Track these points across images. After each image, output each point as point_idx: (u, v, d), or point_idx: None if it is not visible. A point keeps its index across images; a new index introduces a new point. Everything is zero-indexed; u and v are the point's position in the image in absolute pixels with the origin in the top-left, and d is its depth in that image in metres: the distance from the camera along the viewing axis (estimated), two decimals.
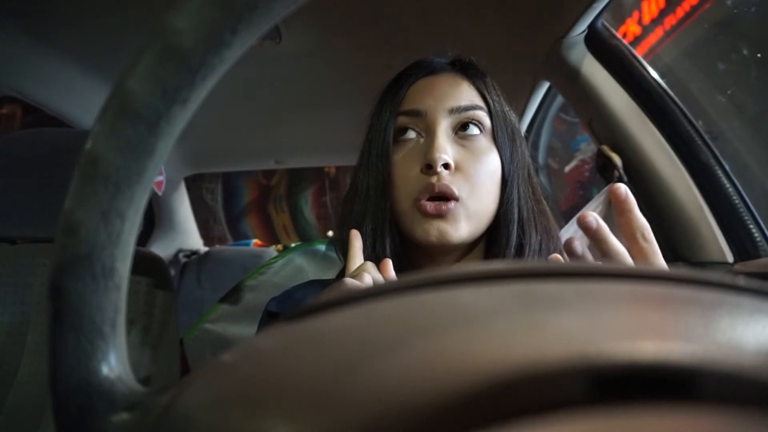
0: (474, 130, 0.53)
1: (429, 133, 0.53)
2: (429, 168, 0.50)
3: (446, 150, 0.50)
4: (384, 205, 0.54)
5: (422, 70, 0.57)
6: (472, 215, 0.51)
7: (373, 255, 0.54)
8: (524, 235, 0.54)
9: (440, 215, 0.50)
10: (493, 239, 0.56)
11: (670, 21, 2.32)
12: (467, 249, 0.55)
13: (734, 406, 0.10)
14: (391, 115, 0.55)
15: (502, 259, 0.53)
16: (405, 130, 0.54)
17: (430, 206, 0.50)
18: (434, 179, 0.50)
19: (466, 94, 0.55)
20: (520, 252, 0.54)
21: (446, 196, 0.50)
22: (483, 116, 0.54)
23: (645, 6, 2.44)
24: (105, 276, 0.16)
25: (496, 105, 0.56)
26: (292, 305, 0.55)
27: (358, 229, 0.55)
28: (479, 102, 0.55)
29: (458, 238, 0.51)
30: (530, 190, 0.56)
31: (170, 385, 0.16)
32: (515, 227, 0.54)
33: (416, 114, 0.54)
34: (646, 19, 2.44)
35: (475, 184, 0.51)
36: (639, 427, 0.10)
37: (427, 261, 0.56)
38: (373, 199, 0.55)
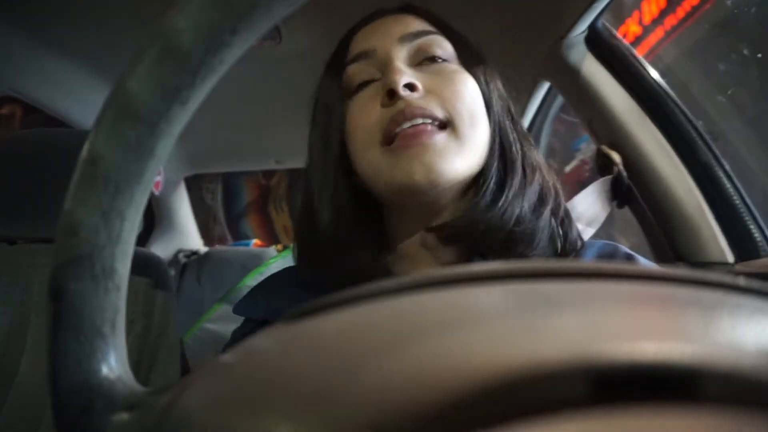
0: (437, 54, 0.45)
1: (383, 68, 0.44)
2: (391, 96, 0.41)
3: (405, 71, 0.42)
4: (338, 164, 0.45)
5: (363, 20, 0.50)
6: (464, 143, 0.42)
7: (335, 232, 0.45)
8: (506, 172, 0.45)
9: (421, 145, 0.40)
10: (474, 186, 0.45)
11: (670, 21, 2.32)
12: (445, 204, 0.45)
13: (734, 406, 0.10)
14: (337, 69, 0.47)
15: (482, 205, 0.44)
16: (359, 78, 0.46)
17: (408, 133, 0.40)
18: (401, 105, 0.41)
19: (417, 23, 0.47)
20: (500, 191, 0.44)
21: (424, 119, 0.41)
22: (442, 41, 0.46)
23: (645, 6, 2.44)
24: (105, 276, 0.16)
25: (456, 32, 0.49)
26: (260, 308, 0.49)
27: (310, 207, 0.47)
28: (432, 28, 0.47)
29: (452, 171, 0.40)
30: (512, 123, 0.48)
31: (170, 385, 0.16)
32: (496, 161, 0.45)
33: (365, 55, 0.46)
34: (647, 19, 2.44)
35: (456, 102, 0.42)
36: (639, 427, 0.10)
37: (398, 226, 0.47)
38: (322, 164, 0.46)
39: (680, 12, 2.27)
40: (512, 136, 0.47)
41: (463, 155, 0.42)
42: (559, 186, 0.49)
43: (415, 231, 0.46)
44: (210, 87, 0.17)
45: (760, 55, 1.95)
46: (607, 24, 0.81)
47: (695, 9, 2.20)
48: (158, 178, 1.57)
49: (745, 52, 2.00)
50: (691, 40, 2.25)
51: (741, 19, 2.11)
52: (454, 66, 0.46)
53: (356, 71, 0.46)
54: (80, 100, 1.12)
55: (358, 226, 0.45)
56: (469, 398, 0.10)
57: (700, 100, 1.91)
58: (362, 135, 0.43)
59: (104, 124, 0.16)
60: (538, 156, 0.49)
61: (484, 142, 0.44)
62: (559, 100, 1.17)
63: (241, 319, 0.52)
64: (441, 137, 0.41)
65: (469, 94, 0.44)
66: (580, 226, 0.59)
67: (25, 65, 0.97)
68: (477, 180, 0.45)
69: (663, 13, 2.36)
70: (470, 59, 0.48)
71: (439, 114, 0.42)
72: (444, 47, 0.46)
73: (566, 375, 0.10)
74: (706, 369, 0.10)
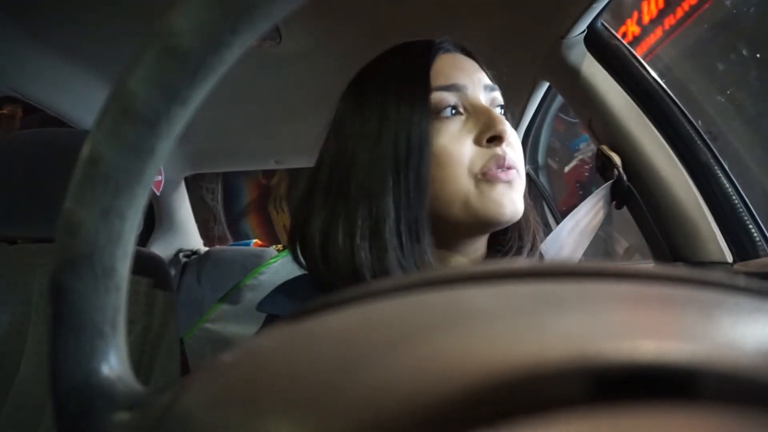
0: (503, 108, 0.53)
1: (474, 108, 0.49)
2: (492, 141, 0.48)
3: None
4: (425, 190, 0.47)
5: (441, 47, 0.53)
6: (523, 187, 0.50)
7: (405, 254, 0.46)
8: (522, 239, 0.53)
9: (509, 182, 0.48)
10: (495, 237, 0.54)
11: (669, 21, 2.33)
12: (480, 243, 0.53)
13: (734, 406, 0.10)
14: (425, 89, 0.49)
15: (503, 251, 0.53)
16: (446, 106, 0.49)
17: (502, 173, 0.47)
18: (500, 151, 0.47)
19: (486, 76, 0.53)
20: (519, 251, 0.53)
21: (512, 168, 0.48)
22: (500, 96, 0.53)
23: (645, 6, 2.45)
24: (105, 276, 0.16)
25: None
26: (282, 302, 0.52)
27: (375, 226, 0.46)
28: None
29: (521, 212, 0.49)
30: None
31: (170, 385, 0.16)
32: (516, 228, 0.53)
33: (455, 89, 0.50)
34: (646, 20, 2.45)
35: (521, 155, 0.50)
36: (639, 427, 0.10)
37: (452, 246, 0.52)
38: (416, 183, 0.47)
39: (679, 12, 2.28)
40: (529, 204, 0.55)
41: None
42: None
43: (458, 250, 0.52)
44: (210, 87, 0.17)
45: (759, 55, 1.95)
46: (606, 24, 0.81)
47: (693, 9, 2.21)
48: (159, 178, 1.57)
49: (744, 52, 2.01)
50: (690, 40, 2.25)
51: (739, 20, 2.11)
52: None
53: (446, 99, 0.49)
54: (80, 100, 1.12)
55: (427, 243, 0.48)
56: (468, 398, 0.10)
57: (700, 99, 1.91)
58: (454, 162, 0.47)
59: (104, 124, 0.16)
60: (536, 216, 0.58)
61: None
62: (559, 100, 1.17)
63: (243, 319, 0.53)
64: (518, 179, 0.49)
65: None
66: (572, 239, 0.68)
67: (25, 65, 0.97)
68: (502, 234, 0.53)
69: (662, 14, 2.37)
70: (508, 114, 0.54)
71: (518, 164, 0.49)
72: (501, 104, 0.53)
73: (566, 375, 0.10)
74: (705, 369, 0.11)
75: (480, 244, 0.53)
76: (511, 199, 0.47)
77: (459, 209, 0.48)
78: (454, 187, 0.47)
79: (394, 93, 0.50)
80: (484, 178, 0.47)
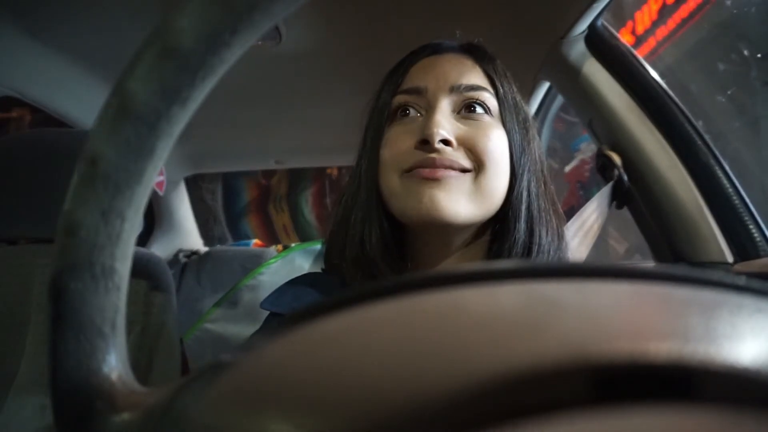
0: (478, 109, 0.49)
1: (429, 111, 0.49)
2: (425, 144, 0.46)
3: (445, 126, 0.46)
4: (374, 185, 0.50)
5: (427, 50, 0.54)
6: (478, 191, 0.46)
7: (360, 246, 0.50)
8: (533, 235, 0.49)
9: (435, 179, 0.45)
10: (498, 235, 0.50)
11: (661, 32, 2.38)
12: (468, 241, 0.51)
13: (734, 406, 0.10)
14: (390, 94, 0.52)
15: (507, 258, 0.49)
16: (405, 109, 0.51)
17: (425, 171, 0.45)
18: (434, 155, 0.46)
19: (471, 74, 0.51)
20: (528, 254, 0.49)
21: (447, 170, 0.46)
22: (488, 98, 0.50)
23: (638, 16, 2.49)
24: (105, 276, 0.16)
25: (506, 89, 0.52)
26: (287, 302, 0.52)
27: (346, 219, 0.52)
28: (485, 84, 0.51)
29: (453, 211, 0.45)
30: (543, 188, 0.52)
31: (171, 385, 0.16)
32: (523, 224, 0.49)
33: (416, 91, 0.50)
34: (639, 30, 2.49)
35: (482, 157, 0.47)
36: (639, 426, 0.10)
37: (421, 252, 0.51)
38: (364, 182, 0.51)
39: (671, 24, 2.33)
40: (544, 203, 0.51)
41: (473, 201, 0.46)
42: (566, 236, 0.54)
43: (433, 258, 0.51)
44: (210, 87, 0.17)
45: (759, 55, 1.96)
46: (606, 24, 0.81)
47: (684, 21, 2.26)
48: (161, 179, 1.57)
49: (721, 67, 2.04)
50: (688, 44, 2.29)
51: (722, 37, 2.14)
52: (492, 120, 0.50)
53: (404, 101, 0.51)
54: (80, 100, 1.11)
55: (383, 242, 0.50)
56: (468, 398, 0.10)
57: (700, 100, 1.92)
58: (390, 161, 0.49)
59: (104, 124, 0.16)
60: (560, 210, 0.54)
61: (499, 195, 0.49)
62: (559, 100, 1.17)
63: (243, 320, 0.53)
64: (459, 178, 0.46)
65: (498, 150, 0.48)
66: (577, 239, 0.66)
67: (25, 65, 0.97)
68: (503, 236, 0.49)
69: (655, 25, 2.41)
70: (511, 117, 0.51)
71: (465, 164, 0.46)
72: (489, 103, 0.50)
73: (566, 374, 0.10)
74: (706, 368, 0.10)
75: (444, 247, 0.50)
76: (429, 197, 0.45)
77: (394, 206, 0.49)
78: (386, 183, 0.49)
79: (377, 97, 0.54)
80: (408, 174, 0.47)
